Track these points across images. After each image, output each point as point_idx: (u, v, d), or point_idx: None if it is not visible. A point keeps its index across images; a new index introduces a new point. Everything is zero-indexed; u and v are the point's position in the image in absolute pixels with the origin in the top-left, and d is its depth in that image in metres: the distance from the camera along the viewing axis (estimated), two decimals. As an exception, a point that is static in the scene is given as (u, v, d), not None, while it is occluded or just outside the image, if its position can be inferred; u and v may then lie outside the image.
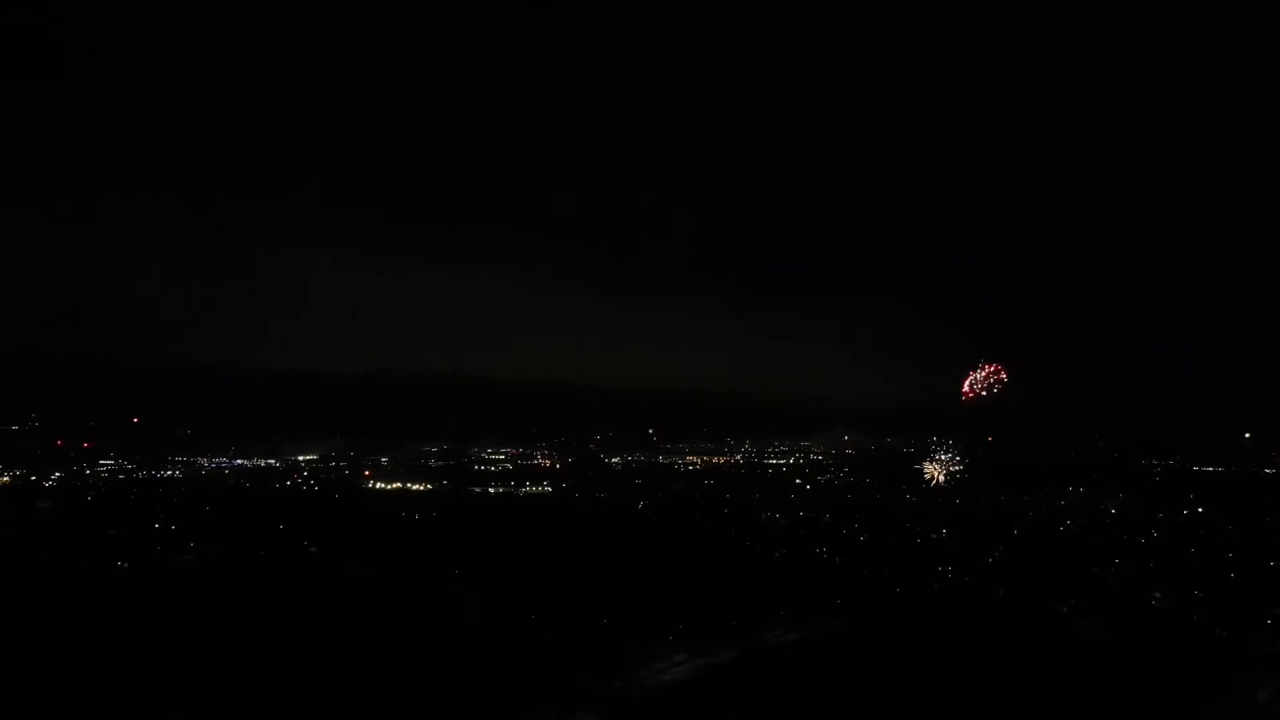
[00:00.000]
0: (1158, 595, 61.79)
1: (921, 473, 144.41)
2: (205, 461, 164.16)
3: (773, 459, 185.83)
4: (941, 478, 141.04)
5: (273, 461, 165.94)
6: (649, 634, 52.32)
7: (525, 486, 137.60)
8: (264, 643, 47.64)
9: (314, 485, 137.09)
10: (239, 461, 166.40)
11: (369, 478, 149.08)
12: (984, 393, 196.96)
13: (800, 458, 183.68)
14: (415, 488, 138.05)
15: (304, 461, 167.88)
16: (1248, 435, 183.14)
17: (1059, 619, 57.47)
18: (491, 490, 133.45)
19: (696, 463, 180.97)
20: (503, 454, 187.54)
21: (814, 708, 41.31)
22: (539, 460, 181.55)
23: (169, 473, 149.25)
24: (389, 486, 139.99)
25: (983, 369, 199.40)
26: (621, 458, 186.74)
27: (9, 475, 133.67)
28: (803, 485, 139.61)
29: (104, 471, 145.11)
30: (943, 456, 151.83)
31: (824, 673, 46.31)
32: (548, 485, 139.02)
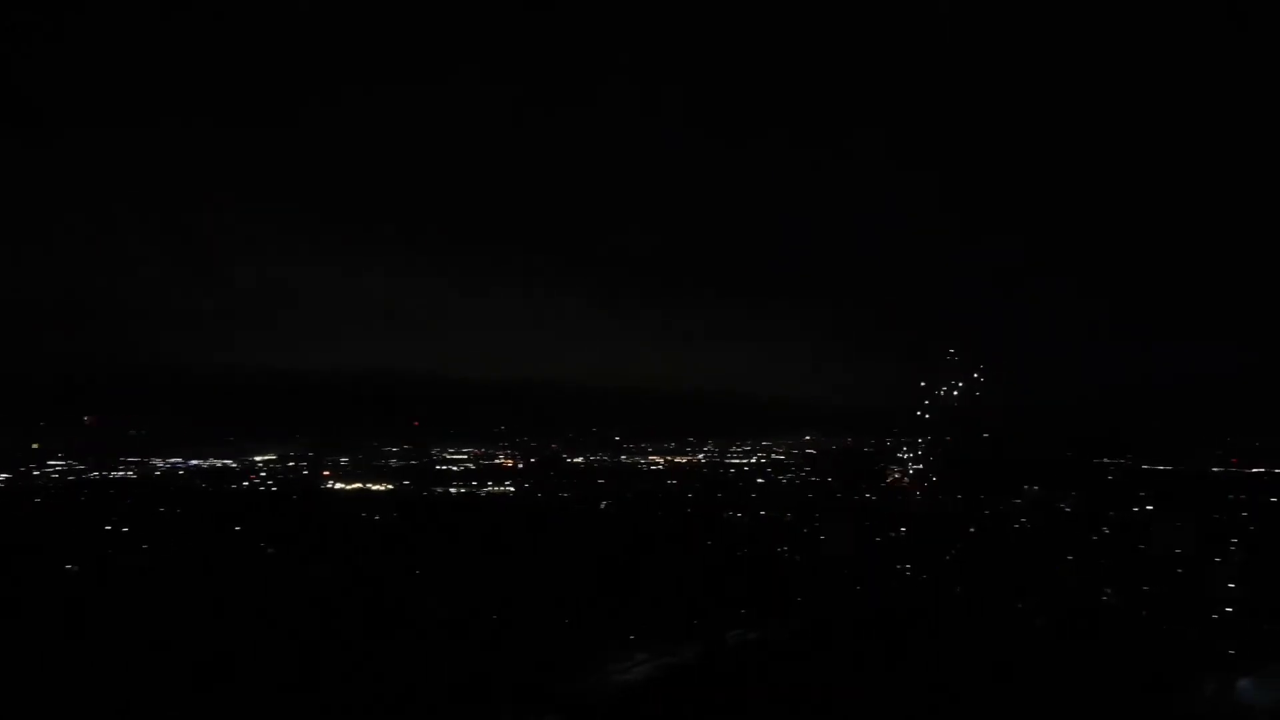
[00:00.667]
0: (1108, 592, 63.31)
1: (882, 472, 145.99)
2: (159, 462, 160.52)
3: (735, 459, 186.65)
4: (901, 477, 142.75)
5: (229, 462, 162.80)
6: (612, 634, 52.44)
7: (487, 486, 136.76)
8: (219, 644, 46.91)
9: (272, 486, 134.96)
10: (194, 462, 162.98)
11: (328, 478, 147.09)
12: (951, 391, 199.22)
13: (762, 457, 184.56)
14: (376, 488, 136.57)
15: (261, 462, 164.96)
16: (1198, 435, 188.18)
17: (1015, 616, 58.62)
18: (453, 490, 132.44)
19: (659, 462, 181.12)
20: (465, 454, 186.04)
21: (776, 707, 41.67)
22: (501, 460, 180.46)
23: (121, 474, 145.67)
24: (349, 487, 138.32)
25: (958, 366, 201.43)
26: (584, 457, 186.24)
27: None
28: (765, 485, 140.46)
29: (53, 472, 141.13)
30: (903, 456, 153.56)
31: (785, 672, 46.75)
32: (510, 485, 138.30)
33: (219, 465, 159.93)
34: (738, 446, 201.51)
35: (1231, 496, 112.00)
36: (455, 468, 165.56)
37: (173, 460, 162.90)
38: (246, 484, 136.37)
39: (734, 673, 46.99)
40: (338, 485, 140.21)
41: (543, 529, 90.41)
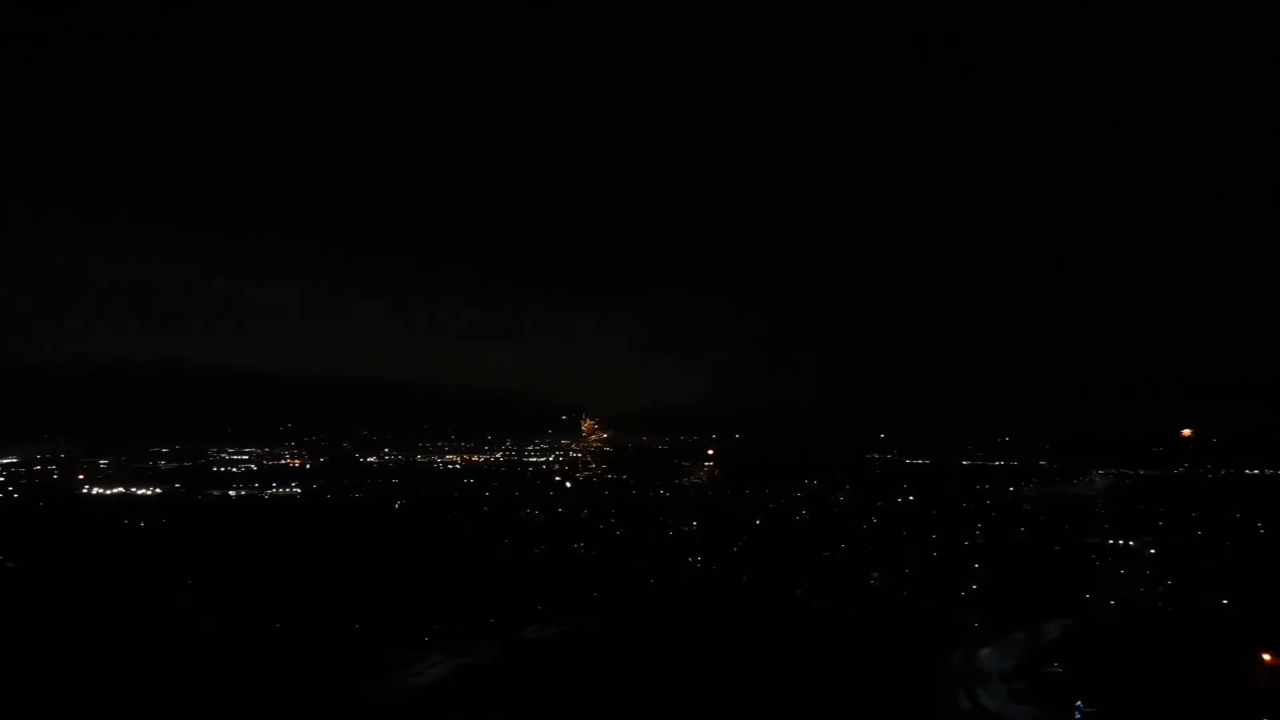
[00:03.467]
0: (875, 575, 69.28)
1: (676, 469, 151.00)
2: None
3: (533, 457, 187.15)
4: (694, 474, 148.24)
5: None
6: (405, 636, 51.25)
7: (272, 488, 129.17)
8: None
9: (12, 492, 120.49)
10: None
11: (83, 482, 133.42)
12: (740, 392, 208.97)
13: (560, 455, 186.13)
14: (141, 492, 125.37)
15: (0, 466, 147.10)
16: (951, 433, 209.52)
17: (795, 600, 62.95)
18: (233, 493, 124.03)
19: (457, 461, 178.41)
20: (247, 454, 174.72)
21: (571, 699, 42.34)
22: (288, 460, 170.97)
23: None
24: (108, 491, 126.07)
25: (746, 369, 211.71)
26: (379, 456, 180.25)
27: None
28: (562, 483, 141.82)
29: None
30: (695, 454, 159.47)
31: (581, 664, 47.61)
32: (297, 487, 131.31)
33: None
34: (535, 445, 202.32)
35: (978, 486, 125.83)
36: (236, 469, 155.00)
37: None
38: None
39: (530, 669, 47.23)
40: (95, 490, 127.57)
41: (333, 532, 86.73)
